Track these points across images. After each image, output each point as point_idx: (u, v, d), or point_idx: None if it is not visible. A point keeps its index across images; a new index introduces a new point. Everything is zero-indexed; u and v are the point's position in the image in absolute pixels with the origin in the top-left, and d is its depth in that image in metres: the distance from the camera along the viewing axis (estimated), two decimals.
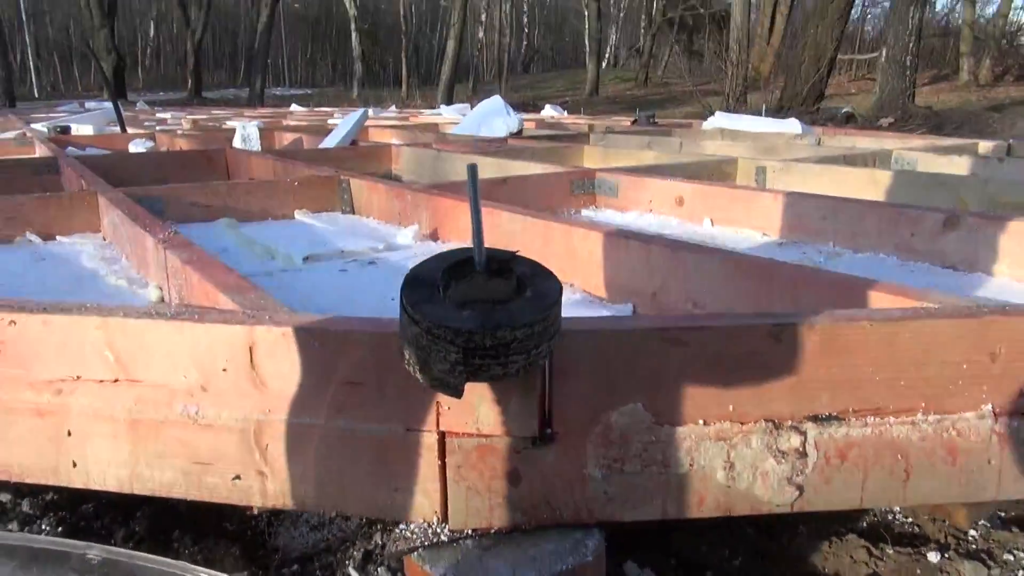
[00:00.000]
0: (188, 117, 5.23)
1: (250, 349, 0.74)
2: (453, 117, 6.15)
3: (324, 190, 2.10)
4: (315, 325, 0.73)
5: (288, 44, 38.68)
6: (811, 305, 0.95)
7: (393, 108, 9.70)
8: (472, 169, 0.69)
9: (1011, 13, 18.44)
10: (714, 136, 3.98)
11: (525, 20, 35.23)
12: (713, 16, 23.96)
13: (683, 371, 0.71)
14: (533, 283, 0.68)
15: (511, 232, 1.46)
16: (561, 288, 0.66)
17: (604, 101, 19.01)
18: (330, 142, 3.29)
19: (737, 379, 0.73)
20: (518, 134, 4.36)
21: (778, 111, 5.40)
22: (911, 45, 8.87)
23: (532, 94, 24.20)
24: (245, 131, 3.89)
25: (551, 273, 0.69)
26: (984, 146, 3.01)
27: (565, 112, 7.22)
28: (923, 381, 0.74)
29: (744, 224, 1.77)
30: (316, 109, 9.70)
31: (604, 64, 29.29)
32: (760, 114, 5.57)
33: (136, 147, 3.52)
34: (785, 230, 1.68)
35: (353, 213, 2.06)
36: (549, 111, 7.13)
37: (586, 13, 22.89)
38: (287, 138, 4.24)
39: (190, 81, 18.23)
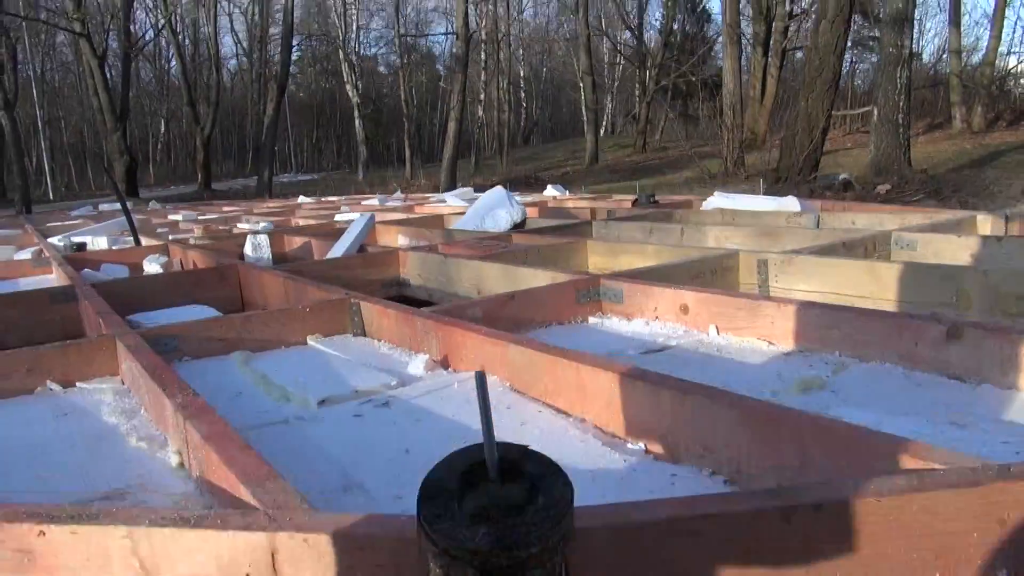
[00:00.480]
0: (199, 220, 5.35)
1: (272, 555, 0.76)
2: (457, 206, 6.27)
3: (335, 313, 2.14)
4: (335, 527, 0.75)
5: (293, 131, 39.75)
6: (817, 457, 0.96)
7: (399, 193, 9.91)
8: (480, 378, 0.72)
9: (997, 59, 18.82)
10: (714, 217, 4.05)
11: (523, 95, 36.16)
12: (705, 82, 24.61)
13: (698, 562, 0.73)
14: (544, 487, 0.70)
15: (520, 366, 1.49)
16: (572, 492, 0.68)
17: (604, 170, 19.35)
18: (338, 250, 3.36)
19: (751, 563, 0.74)
20: (521, 224, 4.45)
21: (776, 182, 5.49)
22: (901, 103, 9.07)
23: (533, 165, 24.70)
24: (256, 240, 3.99)
25: (561, 472, 0.71)
26: (982, 220, 3.05)
27: (567, 192, 7.35)
28: (933, 553, 0.75)
29: (749, 332, 1.80)
30: (324, 200, 9.92)
31: (602, 132, 29.87)
32: (759, 182, 5.66)
33: (150, 264, 3.61)
34: (790, 339, 1.70)
35: (364, 335, 2.10)
36: (551, 191, 7.27)
37: (581, 85, 23.54)
38: (296, 242, 4.34)
39: (200, 175, 18.70)
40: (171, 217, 7.72)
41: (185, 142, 35.39)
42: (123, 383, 1.78)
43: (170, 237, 4.93)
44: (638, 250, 2.96)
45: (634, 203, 5.22)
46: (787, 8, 20.67)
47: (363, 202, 7.97)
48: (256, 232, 4.06)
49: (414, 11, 35.78)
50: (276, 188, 19.12)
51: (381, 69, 40.52)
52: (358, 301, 2.12)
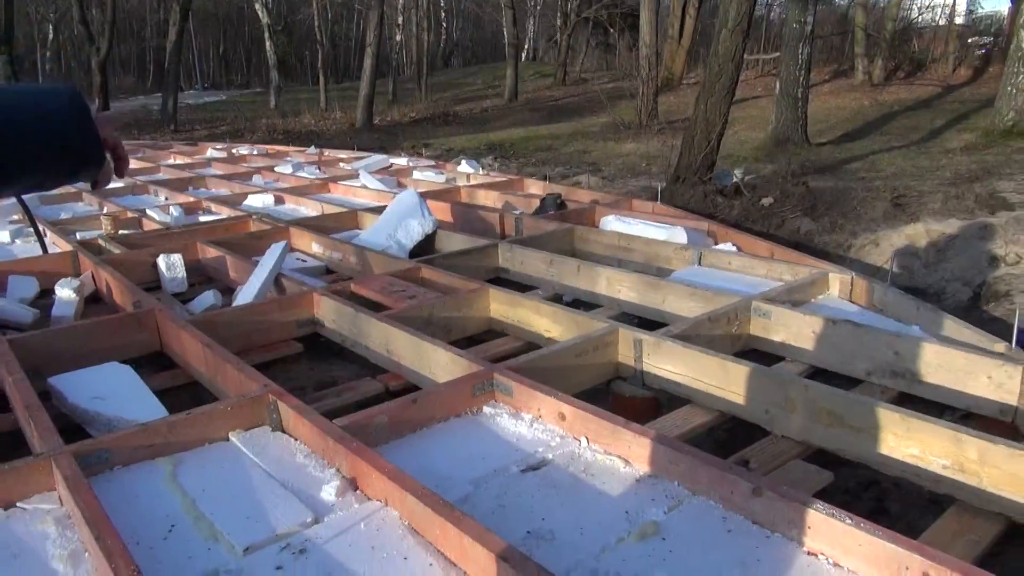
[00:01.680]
0: (104, 215, 5.30)
1: None
2: (372, 190, 6.37)
3: (255, 408, 2.38)
4: None
5: (197, 40, 37.43)
6: None
7: (312, 150, 9.79)
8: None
9: (899, 13, 19.51)
10: (611, 242, 4.37)
11: (443, 14, 35.05)
12: (624, 15, 24.54)
13: None
14: None
15: (416, 512, 1.79)
16: None
17: (524, 107, 19.36)
18: (251, 292, 3.52)
19: None
20: (433, 236, 4.67)
21: (676, 180, 5.84)
22: (801, 78, 9.53)
23: (452, 94, 24.35)
24: (169, 260, 4.08)
25: None
26: (832, 280, 3.49)
27: (480, 169, 7.51)
28: None
29: (613, 450, 2.15)
30: (234, 153, 9.72)
31: (523, 57, 29.52)
32: (659, 186, 5.99)
33: (63, 290, 3.67)
34: (644, 463, 2.06)
35: (282, 431, 2.35)
36: (465, 167, 7.42)
37: (503, 19, 23.10)
38: (210, 253, 4.43)
39: (98, 101, 17.64)
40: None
41: (78, 50, 32.90)
42: (61, 505, 1.98)
43: (77, 236, 4.90)
44: (533, 306, 3.26)
45: (541, 203, 5.49)
46: None
47: (276, 168, 7.91)
48: (169, 252, 4.13)
49: None
50: (181, 111, 18.29)
51: None
52: (276, 399, 2.36)
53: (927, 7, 24.04)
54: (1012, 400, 2.45)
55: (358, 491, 2.01)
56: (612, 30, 26.25)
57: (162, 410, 2.56)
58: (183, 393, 3.00)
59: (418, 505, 1.78)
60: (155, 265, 4.25)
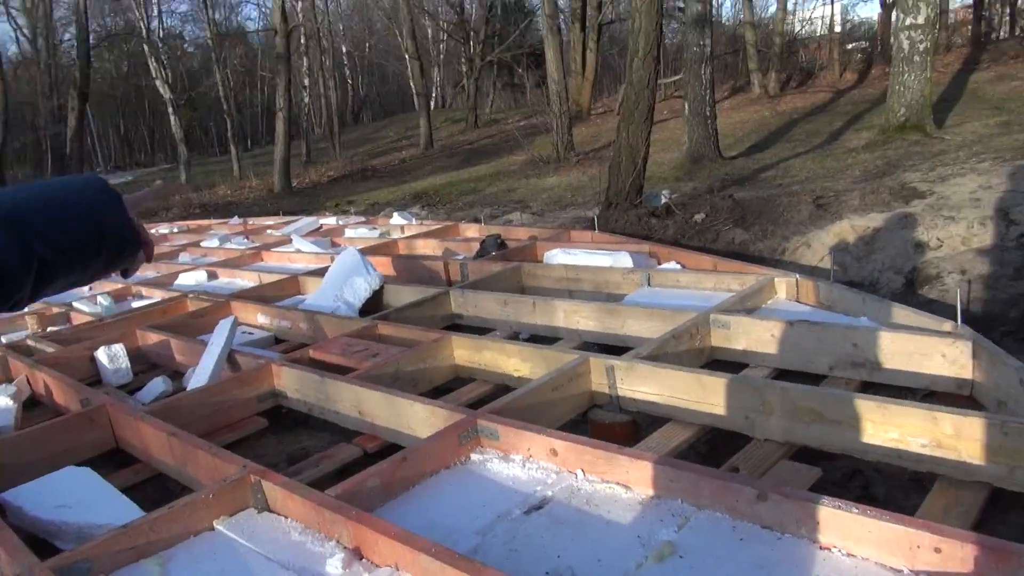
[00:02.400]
0: (28, 314, 5.05)
1: None
2: (308, 253, 6.29)
3: (237, 491, 2.29)
4: None
5: (97, 123, 36.41)
6: None
7: (236, 220, 9.60)
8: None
9: (783, 29, 20.69)
10: (559, 275, 4.43)
11: (347, 71, 35.21)
12: (529, 55, 25.21)
13: None
14: None
15: (433, 571, 1.75)
16: None
17: (441, 155, 19.51)
18: (204, 374, 3.41)
19: None
20: (380, 291, 4.64)
21: (608, 207, 5.99)
22: (707, 97, 9.95)
23: (367, 149, 24.37)
24: (111, 351, 3.92)
25: None
26: (779, 283, 3.62)
27: (413, 219, 7.52)
28: None
29: (611, 477, 2.16)
30: (156, 233, 9.44)
31: (432, 104, 29.79)
32: (595, 213, 6.12)
33: (2, 398, 3.47)
34: (644, 485, 2.08)
35: (268, 511, 2.27)
36: (398, 219, 7.41)
37: (409, 69, 23.36)
38: (151, 339, 4.28)
39: None
40: None
41: None
42: None
43: (2, 340, 4.66)
44: (499, 347, 3.27)
45: (481, 245, 5.52)
46: None
47: (202, 243, 7.72)
48: (110, 343, 3.97)
49: None
50: None
51: (190, 49, 37.95)
52: (259, 479, 2.28)
53: (807, 20, 25.62)
54: (967, 374, 2.59)
55: (364, 559, 1.95)
56: (519, 70, 26.92)
57: (134, 509, 2.44)
58: (149, 488, 2.87)
59: (433, 563, 1.75)
60: (93, 359, 4.08)
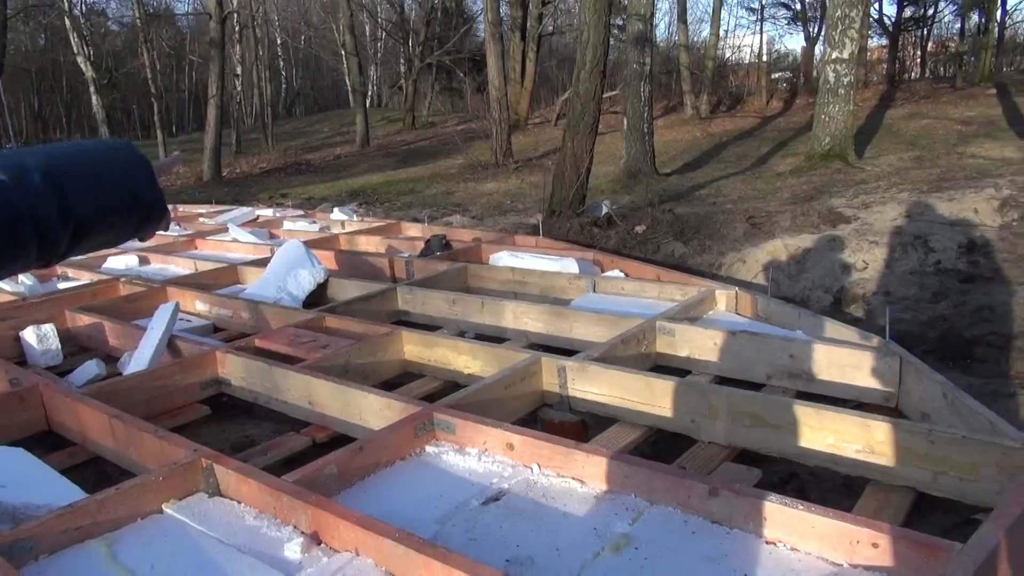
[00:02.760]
0: None
1: None
2: (246, 243, 6.15)
3: (187, 475, 2.25)
4: None
5: (9, 97, 34.37)
6: None
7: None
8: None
9: (716, 52, 21.43)
10: (505, 276, 4.49)
11: (281, 63, 34.43)
12: (468, 60, 25.26)
13: None
14: None
15: (395, 555, 1.77)
16: None
17: (377, 153, 19.34)
18: (143, 358, 3.32)
19: None
20: (325, 284, 4.60)
21: (550, 215, 6.10)
22: (645, 114, 10.24)
23: (301, 143, 23.91)
24: (40, 331, 3.76)
25: None
26: (719, 296, 3.79)
27: (354, 216, 7.44)
28: None
29: (566, 472, 2.22)
30: None
31: (368, 102, 29.47)
32: (538, 218, 6.21)
33: None
34: (599, 481, 2.15)
35: (220, 495, 2.23)
36: (338, 215, 7.33)
37: (346, 65, 23.03)
38: (83, 321, 4.12)
39: None
40: None
41: None
42: None
43: None
44: (451, 344, 3.30)
45: (427, 244, 5.54)
46: None
47: None
48: (39, 322, 3.80)
49: None
50: None
51: (114, 28, 36.32)
52: (211, 463, 2.24)
53: (737, 48, 26.62)
54: (893, 388, 2.78)
55: (322, 545, 1.95)
56: (460, 73, 26.91)
57: (75, 490, 2.36)
58: (85, 471, 2.77)
59: (397, 548, 1.77)
60: (18, 339, 3.89)
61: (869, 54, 20.54)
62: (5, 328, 3.92)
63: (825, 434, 2.36)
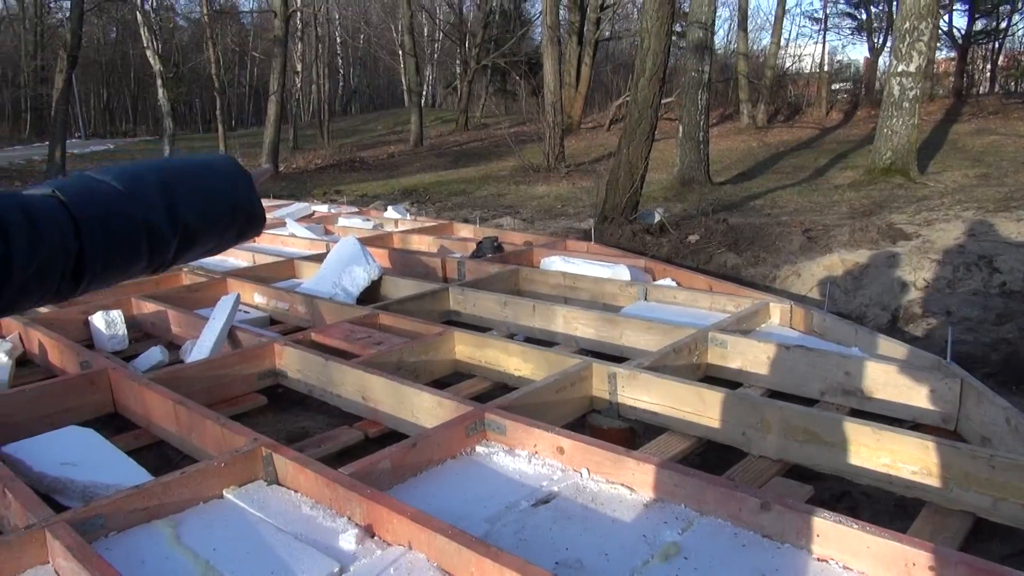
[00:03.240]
0: None
1: None
2: (303, 239, 6.29)
3: (248, 463, 2.32)
4: None
5: (80, 88, 35.74)
6: None
7: None
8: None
9: (776, 62, 21.07)
10: (556, 281, 4.51)
11: (340, 61, 35.04)
12: (524, 61, 25.35)
13: None
14: None
15: (448, 552, 1.81)
16: None
17: (430, 153, 19.55)
18: (205, 347, 3.43)
19: None
20: (379, 282, 4.68)
21: (603, 221, 6.10)
22: (702, 122, 10.14)
23: (355, 140, 24.30)
24: (109, 316, 3.91)
25: None
26: (773, 309, 3.75)
27: (407, 214, 7.55)
28: None
29: (616, 478, 2.24)
30: None
31: (423, 103, 29.80)
32: (591, 224, 6.21)
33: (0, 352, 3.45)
34: (648, 489, 2.16)
35: (277, 483, 2.31)
36: (392, 213, 7.44)
37: (403, 64, 23.34)
38: (147, 308, 4.27)
39: None
40: None
41: None
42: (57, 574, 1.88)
43: None
44: (502, 346, 3.33)
45: (478, 246, 5.59)
46: (599, 0, 21.79)
47: None
48: (105, 309, 3.96)
49: None
50: (68, 162, 17.38)
51: (182, 23, 37.41)
52: (271, 452, 2.32)
53: (797, 57, 26.15)
54: (953, 410, 2.72)
55: (376, 537, 2.01)
56: (515, 76, 27.02)
57: (141, 471, 2.46)
58: (148, 454, 2.88)
59: (449, 544, 1.81)
60: (87, 323, 4.06)
61: (936, 66, 19.94)
62: (75, 312, 4.09)
63: (881, 453, 2.32)
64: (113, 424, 3.10)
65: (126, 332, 3.92)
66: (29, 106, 31.78)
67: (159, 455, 2.88)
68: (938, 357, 2.96)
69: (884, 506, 2.47)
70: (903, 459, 2.28)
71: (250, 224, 0.99)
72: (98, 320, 3.89)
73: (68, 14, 15.33)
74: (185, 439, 2.73)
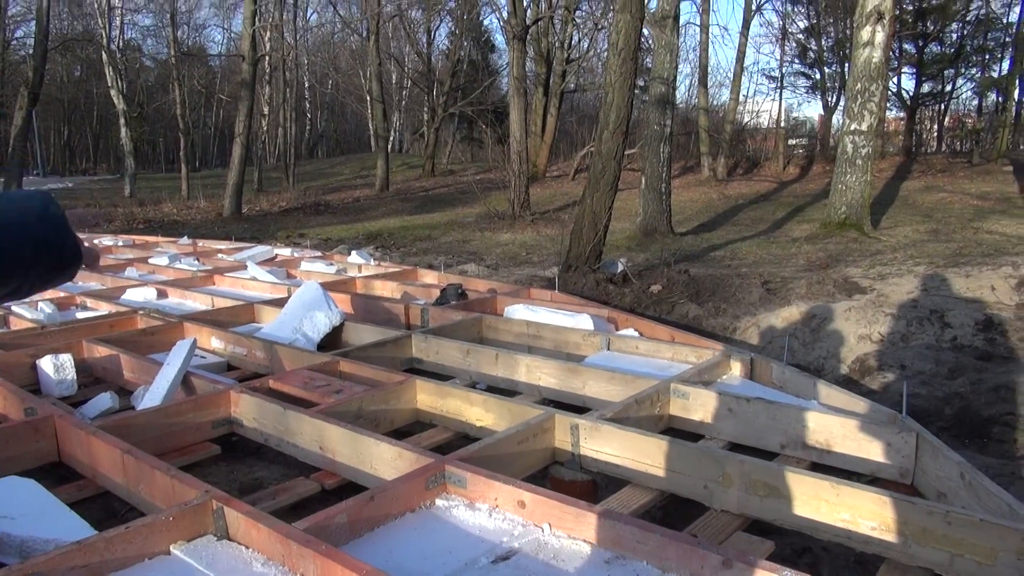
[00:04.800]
0: None
1: None
2: (264, 282, 6.21)
3: (197, 516, 2.24)
4: None
5: (39, 125, 35.24)
6: None
7: (185, 240, 9.41)
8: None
9: (735, 117, 21.73)
10: (520, 329, 4.51)
11: (308, 105, 35.18)
12: (490, 111, 25.75)
13: None
14: None
15: None
16: None
17: (396, 197, 19.60)
18: (158, 394, 3.33)
19: None
20: (340, 327, 4.62)
21: (567, 269, 6.14)
22: (664, 174, 10.36)
23: (321, 184, 24.27)
24: (58, 361, 3.79)
25: None
26: (734, 363, 3.78)
27: (371, 260, 7.52)
28: None
29: (577, 534, 2.20)
30: (99, 244, 9.17)
31: (390, 149, 29.99)
32: (555, 272, 6.25)
33: None
34: (610, 544, 2.13)
35: (228, 539, 2.22)
36: (355, 258, 7.40)
37: (370, 111, 23.50)
38: (99, 352, 4.15)
39: None
40: None
41: None
42: None
43: None
44: (464, 396, 3.30)
45: (442, 293, 5.57)
46: (564, 54, 22.34)
47: (150, 259, 7.54)
48: (55, 352, 3.84)
49: (184, 3, 33.43)
50: None
51: (148, 64, 37.33)
52: (221, 505, 2.24)
53: (755, 113, 27.02)
54: (909, 464, 2.75)
55: None
56: (481, 124, 27.42)
57: (84, 525, 2.36)
58: (93, 506, 2.77)
59: None
60: (35, 367, 3.92)
61: (887, 125, 20.76)
62: (23, 356, 3.95)
63: (840, 509, 2.33)
64: (56, 473, 2.98)
65: (75, 377, 3.80)
66: None
67: (104, 507, 2.76)
68: (894, 411, 3.00)
69: (844, 561, 2.47)
70: (862, 514, 2.29)
71: (59, 263, 0.95)
72: (46, 364, 3.76)
73: (31, 51, 15.19)
74: (132, 490, 2.63)
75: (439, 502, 2.48)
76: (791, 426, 3.00)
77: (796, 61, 24.17)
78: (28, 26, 28.89)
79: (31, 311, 5.02)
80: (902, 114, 21.82)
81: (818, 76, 23.17)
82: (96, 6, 21.72)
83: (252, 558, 2.12)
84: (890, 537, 2.24)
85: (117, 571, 2.05)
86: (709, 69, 22.70)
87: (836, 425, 2.91)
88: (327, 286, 5.78)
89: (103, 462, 2.76)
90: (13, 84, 27.65)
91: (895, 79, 20.25)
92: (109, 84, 20.34)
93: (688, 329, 4.83)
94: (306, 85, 34.42)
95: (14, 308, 5.11)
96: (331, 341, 4.58)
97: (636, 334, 4.42)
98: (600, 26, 20.79)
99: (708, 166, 19.67)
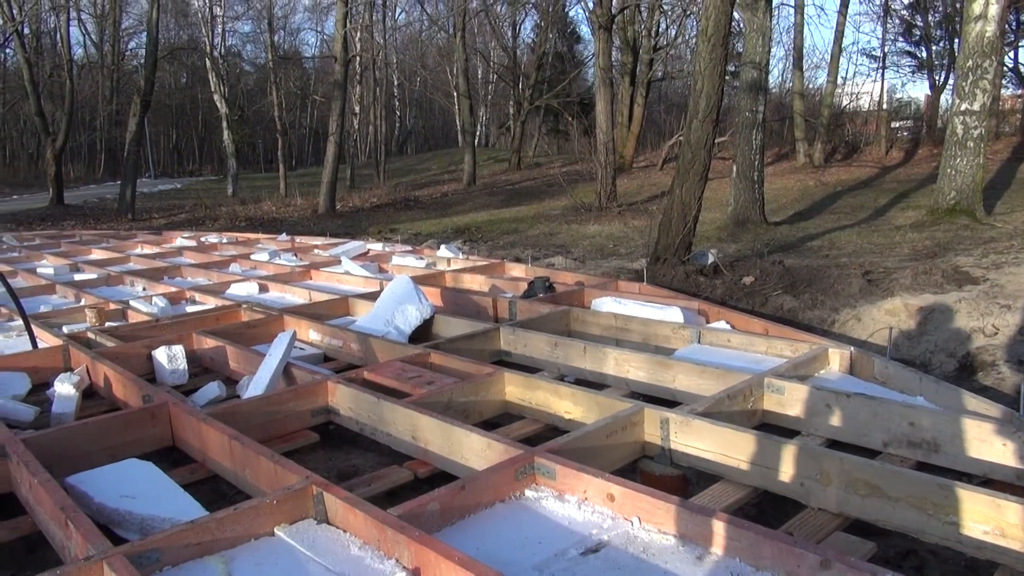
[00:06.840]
0: (76, 283, 5.24)
1: None
2: (358, 276, 6.41)
3: (299, 501, 2.34)
4: None
5: (150, 131, 37.44)
6: None
7: (284, 236, 9.81)
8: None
9: (833, 100, 20.80)
10: (608, 323, 4.48)
11: (396, 103, 35.96)
12: (576, 102, 25.61)
13: None
14: None
15: None
16: None
17: (483, 191, 19.78)
18: (261, 384, 3.49)
19: None
20: (430, 321, 4.72)
21: (655, 261, 6.05)
22: (756, 162, 10.04)
23: (410, 180, 24.78)
24: (171, 352, 4.03)
25: None
26: (832, 354, 3.64)
27: (460, 253, 7.63)
28: None
29: (667, 529, 2.18)
30: (204, 241, 9.67)
31: (476, 142, 30.28)
32: (643, 265, 6.17)
33: (63, 385, 3.57)
34: (701, 540, 2.10)
35: (327, 523, 2.32)
36: (444, 252, 7.53)
37: (457, 107, 23.84)
38: (207, 344, 4.38)
39: (51, 190, 17.47)
40: (39, 271, 7.34)
41: (24, 139, 32.58)
42: None
43: (64, 330, 4.79)
44: (552, 388, 3.31)
45: (530, 286, 5.60)
46: (651, 42, 21.96)
47: (252, 255, 7.90)
48: (168, 343, 4.08)
49: (280, 9, 34.74)
50: (137, 200, 18.16)
51: (247, 68, 39.01)
52: (321, 491, 2.33)
53: (855, 95, 25.78)
54: None
55: None
56: (567, 116, 27.32)
57: (196, 506, 2.50)
58: (203, 488, 2.93)
59: None
60: (150, 357, 4.19)
61: (1002, 104, 19.40)
62: (139, 347, 4.23)
63: (949, 511, 2.21)
64: (171, 457, 3.17)
65: (187, 367, 4.03)
66: (104, 148, 33.40)
67: (213, 489, 2.92)
68: (1010, 409, 2.82)
69: (954, 566, 2.35)
70: (974, 518, 2.16)
71: None
72: (160, 355, 4.01)
73: (143, 61, 16.15)
74: (239, 474, 2.78)
75: (528, 493, 2.50)
76: (895, 423, 2.87)
77: (900, 39, 22.93)
78: (139, 38, 30.75)
79: (146, 305, 5.36)
80: (1020, 91, 20.34)
81: (924, 54, 21.88)
82: (200, 15, 22.89)
83: (350, 541, 2.21)
84: (1005, 543, 2.12)
85: (226, 550, 2.17)
86: (804, 51, 21.84)
87: (945, 423, 2.76)
88: (417, 280, 5.91)
89: (212, 447, 2.93)
90: (127, 93, 29.54)
91: (1011, 54, 18.90)
92: (212, 89, 21.40)
93: (783, 322, 4.67)
94: (395, 83, 35.19)
95: (131, 303, 5.47)
96: (422, 333, 4.68)
97: (728, 327, 4.32)
98: (688, 12, 20.34)
99: (804, 152, 18.92)
